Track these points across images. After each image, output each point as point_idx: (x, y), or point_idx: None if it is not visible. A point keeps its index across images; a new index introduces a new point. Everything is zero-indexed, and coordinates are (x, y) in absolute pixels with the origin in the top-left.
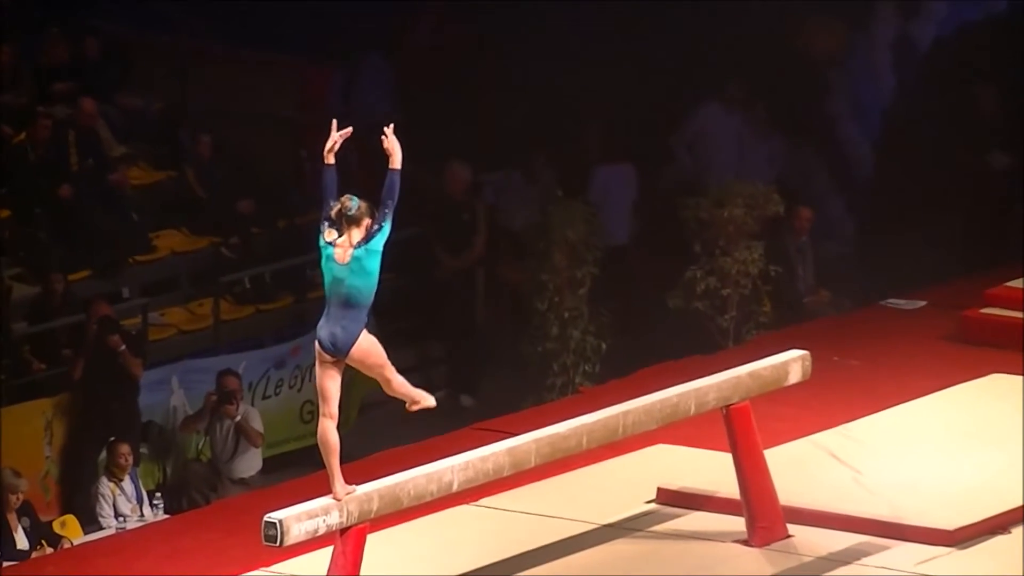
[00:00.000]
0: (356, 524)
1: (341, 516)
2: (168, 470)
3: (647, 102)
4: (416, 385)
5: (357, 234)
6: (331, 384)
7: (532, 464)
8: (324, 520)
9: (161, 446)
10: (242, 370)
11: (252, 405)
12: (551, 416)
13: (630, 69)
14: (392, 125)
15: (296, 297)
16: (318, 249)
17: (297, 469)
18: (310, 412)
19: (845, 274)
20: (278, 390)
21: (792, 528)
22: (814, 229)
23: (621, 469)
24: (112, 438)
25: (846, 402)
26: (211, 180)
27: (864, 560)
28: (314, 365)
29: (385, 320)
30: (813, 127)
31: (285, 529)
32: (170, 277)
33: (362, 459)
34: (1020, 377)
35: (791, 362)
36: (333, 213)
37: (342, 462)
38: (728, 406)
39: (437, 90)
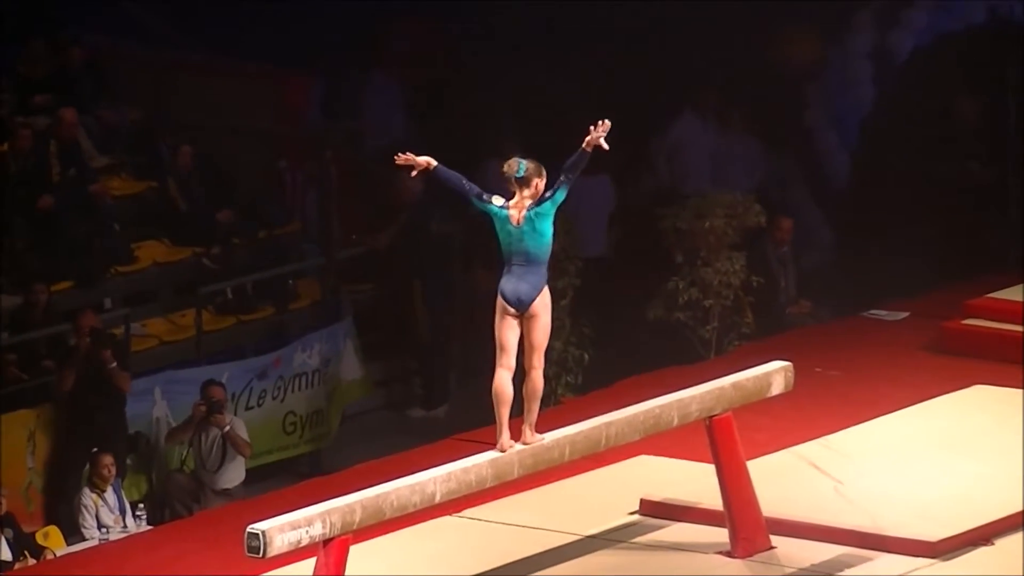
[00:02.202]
0: (339, 535)
1: (324, 527)
2: (152, 481)
3: (621, 112)
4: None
5: (528, 195)
6: (510, 335)
7: (515, 475)
8: (307, 531)
9: (145, 457)
10: (225, 381)
11: (235, 416)
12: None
13: (602, 79)
14: (608, 123)
15: (277, 308)
16: (485, 214)
17: (280, 480)
18: (292, 423)
19: (826, 285)
20: (261, 401)
21: (775, 539)
22: (795, 239)
23: (604, 480)
24: (95, 449)
25: (828, 413)
26: (192, 191)
27: (846, 571)
28: (495, 318)
29: (362, 331)
30: (791, 137)
31: (268, 540)
32: (152, 288)
33: (344, 470)
34: (1002, 388)
35: (773, 373)
36: (503, 172)
37: (323, 472)
38: (711, 417)
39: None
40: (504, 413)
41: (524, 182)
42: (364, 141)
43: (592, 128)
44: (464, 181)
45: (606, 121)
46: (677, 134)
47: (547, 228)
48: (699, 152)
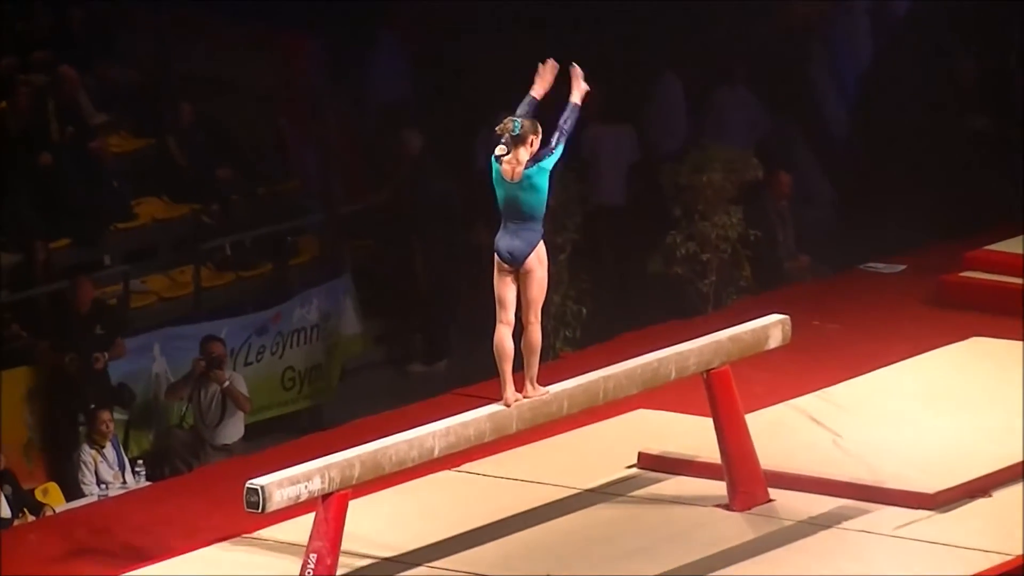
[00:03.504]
0: (338, 490)
1: (323, 482)
2: (151, 437)
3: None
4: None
5: (524, 152)
6: (508, 292)
7: (513, 430)
8: (306, 486)
9: (143, 413)
10: (224, 337)
11: (234, 371)
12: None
13: (608, 36)
14: (575, 64)
15: (276, 264)
16: (489, 167)
17: (279, 436)
18: (291, 379)
19: (824, 239)
20: (260, 357)
21: (773, 492)
22: (793, 193)
23: (602, 434)
24: (93, 406)
25: (826, 366)
26: (191, 148)
27: (845, 524)
28: (492, 274)
29: (361, 287)
30: (790, 92)
31: (267, 495)
32: (151, 244)
33: (343, 425)
34: (1000, 340)
35: (771, 326)
36: (499, 133)
37: (322, 428)
38: (708, 371)
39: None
40: (507, 368)
41: (520, 140)
42: (367, 99)
43: (573, 76)
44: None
45: (574, 66)
46: (658, 96)
47: (544, 184)
48: (681, 114)
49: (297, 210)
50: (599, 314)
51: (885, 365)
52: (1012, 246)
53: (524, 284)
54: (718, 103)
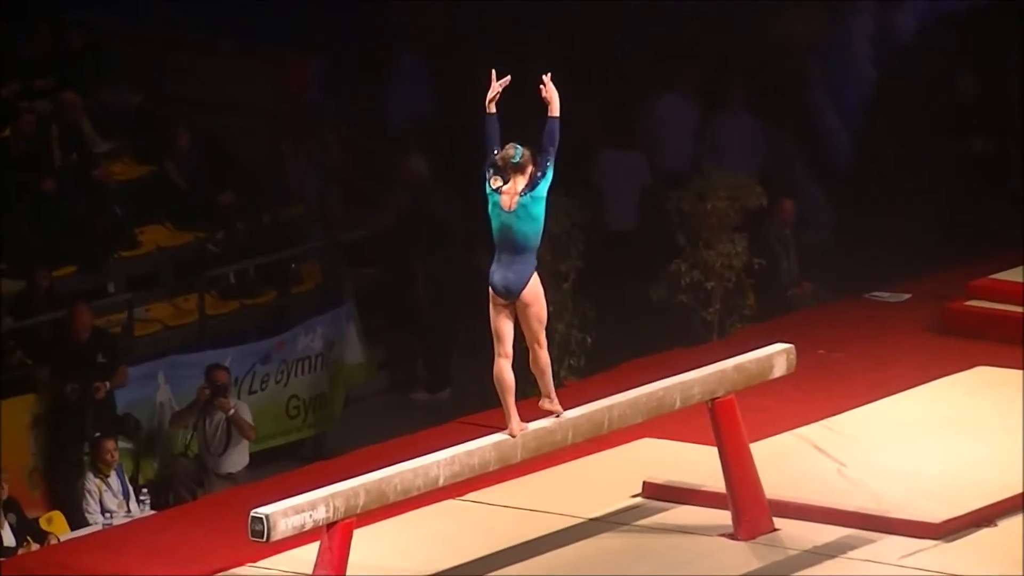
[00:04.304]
0: (343, 519)
1: (327, 511)
2: (155, 466)
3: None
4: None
5: (522, 181)
6: (505, 325)
7: (518, 459)
8: (310, 515)
9: (147, 441)
10: (228, 365)
11: (238, 399)
12: (537, 410)
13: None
14: (550, 74)
15: (280, 292)
16: (484, 197)
17: (283, 464)
18: (296, 407)
19: (828, 266)
20: (264, 385)
21: (778, 521)
22: (797, 219)
23: (607, 463)
24: (97, 434)
25: (831, 395)
26: (193, 174)
27: (850, 553)
28: (490, 306)
29: (364, 315)
30: (793, 117)
31: (272, 524)
32: (155, 272)
33: (347, 454)
34: (1004, 369)
35: (776, 355)
36: (498, 160)
37: (326, 456)
38: (713, 399)
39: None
40: (510, 400)
41: (519, 168)
42: (370, 121)
43: (541, 88)
44: (494, 149)
45: (547, 74)
46: (659, 114)
47: (540, 212)
48: (682, 133)
49: (300, 237)
50: (603, 342)
51: (889, 394)
52: (1015, 275)
53: (523, 318)
54: (719, 129)
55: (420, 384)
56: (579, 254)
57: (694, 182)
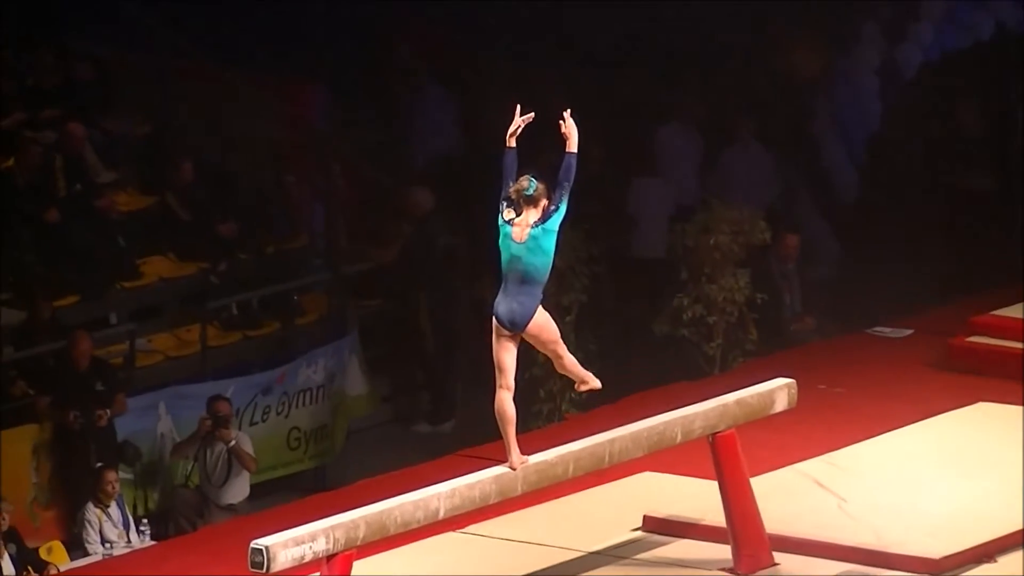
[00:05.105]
0: (343, 551)
1: (327, 543)
2: (155, 496)
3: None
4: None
5: (534, 214)
6: (507, 357)
7: (519, 491)
8: (311, 547)
9: (148, 472)
10: (229, 396)
11: (240, 431)
12: (537, 443)
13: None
14: (570, 110)
15: (283, 323)
16: (497, 228)
17: (284, 495)
18: (297, 439)
19: (831, 300)
20: (265, 416)
21: (778, 556)
22: (801, 253)
23: (607, 496)
24: (99, 464)
25: (832, 430)
26: (197, 205)
27: None
28: (493, 337)
29: (367, 345)
30: (798, 151)
31: (271, 556)
32: (157, 303)
33: (348, 485)
34: (1006, 405)
35: (777, 390)
36: (512, 193)
37: (327, 488)
38: (714, 434)
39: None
40: (510, 432)
41: (532, 201)
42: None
43: (560, 124)
44: (509, 182)
45: (567, 110)
46: (660, 145)
47: (550, 245)
48: (685, 164)
49: (303, 268)
50: (605, 376)
51: (891, 429)
52: (1018, 311)
53: (538, 345)
54: (727, 162)
55: (422, 416)
56: (582, 287)
57: (698, 216)
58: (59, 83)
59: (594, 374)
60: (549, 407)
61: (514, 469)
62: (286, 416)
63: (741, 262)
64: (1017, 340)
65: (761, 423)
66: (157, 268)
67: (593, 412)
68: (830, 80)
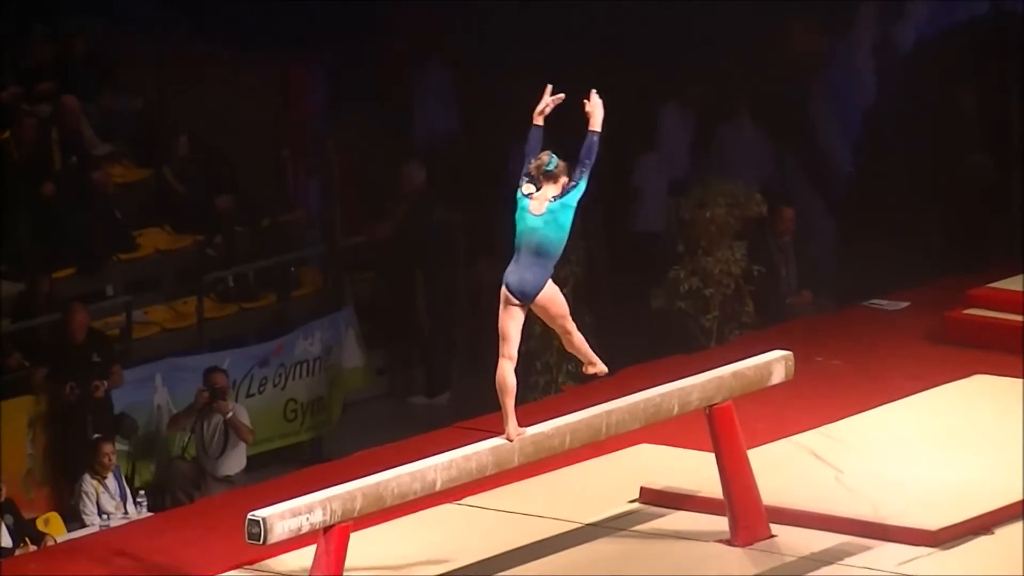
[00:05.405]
0: (339, 522)
1: (324, 514)
2: (152, 468)
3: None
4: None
5: (552, 189)
6: (513, 327)
7: (515, 463)
8: (307, 518)
9: (145, 444)
10: (226, 368)
11: (236, 403)
12: (534, 415)
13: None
14: (595, 89)
15: (280, 296)
16: (514, 201)
17: (281, 467)
18: (293, 411)
19: (827, 274)
20: (262, 388)
21: (775, 528)
22: (797, 229)
23: (604, 468)
24: (96, 435)
25: (829, 402)
26: (193, 179)
27: (847, 560)
28: (499, 307)
29: (363, 319)
30: (795, 128)
31: (268, 527)
32: (154, 275)
33: (345, 457)
34: (1003, 378)
35: (774, 362)
36: (532, 168)
37: (324, 460)
38: (711, 406)
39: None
40: (509, 403)
41: (552, 176)
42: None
43: (585, 102)
44: (531, 159)
45: (593, 93)
46: (660, 123)
47: (567, 220)
48: (681, 141)
49: (300, 242)
50: (602, 348)
51: (888, 402)
52: (1014, 283)
53: (547, 319)
54: (722, 137)
55: (418, 389)
56: (578, 260)
57: (694, 190)
58: (54, 60)
59: (590, 347)
60: (546, 379)
61: (511, 440)
62: (283, 388)
63: (737, 235)
64: (1014, 312)
65: (758, 395)
66: (154, 240)
67: (590, 384)
68: (827, 58)
